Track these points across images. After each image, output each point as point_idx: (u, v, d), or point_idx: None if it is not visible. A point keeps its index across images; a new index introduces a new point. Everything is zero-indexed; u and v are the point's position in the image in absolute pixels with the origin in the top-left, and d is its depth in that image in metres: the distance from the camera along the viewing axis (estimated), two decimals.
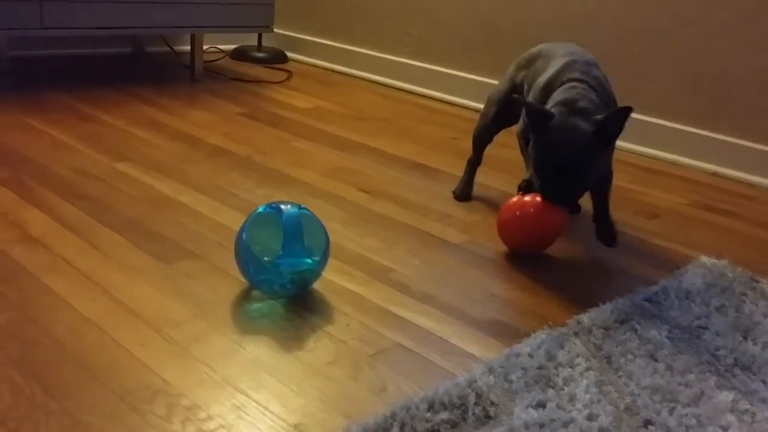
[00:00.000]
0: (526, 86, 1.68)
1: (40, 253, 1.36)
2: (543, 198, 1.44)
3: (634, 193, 2.01)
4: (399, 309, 1.28)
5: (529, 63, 1.70)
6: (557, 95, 1.46)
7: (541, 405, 1.01)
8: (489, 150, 1.88)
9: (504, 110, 1.77)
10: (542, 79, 1.56)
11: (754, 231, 1.83)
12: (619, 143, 2.44)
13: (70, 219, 1.52)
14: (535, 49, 1.72)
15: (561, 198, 1.43)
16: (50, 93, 2.47)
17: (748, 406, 1.06)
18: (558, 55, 1.60)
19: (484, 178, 1.96)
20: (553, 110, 1.41)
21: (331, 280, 1.36)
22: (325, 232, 1.31)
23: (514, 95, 1.61)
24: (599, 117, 1.38)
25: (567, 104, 1.42)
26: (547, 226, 1.48)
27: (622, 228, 1.74)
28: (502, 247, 1.56)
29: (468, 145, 1.91)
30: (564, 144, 1.38)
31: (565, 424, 0.97)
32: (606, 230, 1.58)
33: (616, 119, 1.37)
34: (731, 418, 1.02)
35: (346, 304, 1.28)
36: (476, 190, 1.89)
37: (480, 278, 1.43)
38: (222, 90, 2.73)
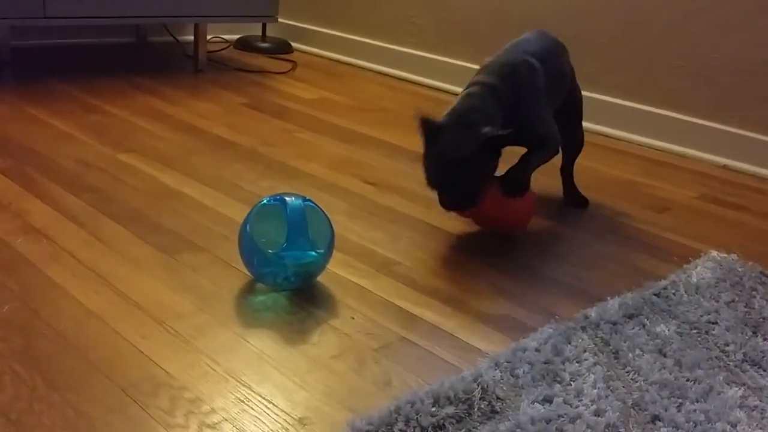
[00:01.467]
0: None
1: (42, 245, 1.35)
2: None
3: (643, 186, 1.99)
4: (404, 302, 1.27)
5: None
6: (457, 102, 1.50)
7: (547, 400, 1.00)
8: None
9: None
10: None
11: (764, 225, 1.81)
12: (627, 135, 2.42)
13: (73, 210, 1.51)
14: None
15: (453, 206, 1.48)
16: (53, 83, 2.45)
17: (757, 402, 1.04)
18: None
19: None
20: (443, 121, 1.46)
21: (336, 273, 1.35)
22: (330, 225, 1.30)
23: (420, 114, 1.48)
24: (486, 131, 1.41)
25: (456, 115, 1.46)
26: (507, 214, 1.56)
27: (630, 221, 1.72)
28: (509, 241, 1.55)
29: None
30: (447, 159, 1.42)
31: (572, 420, 0.96)
32: (569, 192, 1.80)
33: (506, 140, 1.42)
34: (740, 414, 1.01)
35: (350, 297, 1.27)
36: None
37: (486, 272, 1.42)
38: (226, 80, 2.72)
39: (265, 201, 1.29)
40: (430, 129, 1.44)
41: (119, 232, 1.43)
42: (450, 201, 1.47)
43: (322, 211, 1.30)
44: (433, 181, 1.46)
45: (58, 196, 1.57)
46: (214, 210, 1.58)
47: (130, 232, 1.44)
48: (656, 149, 2.34)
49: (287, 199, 1.26)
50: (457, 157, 1.41)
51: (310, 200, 1.29)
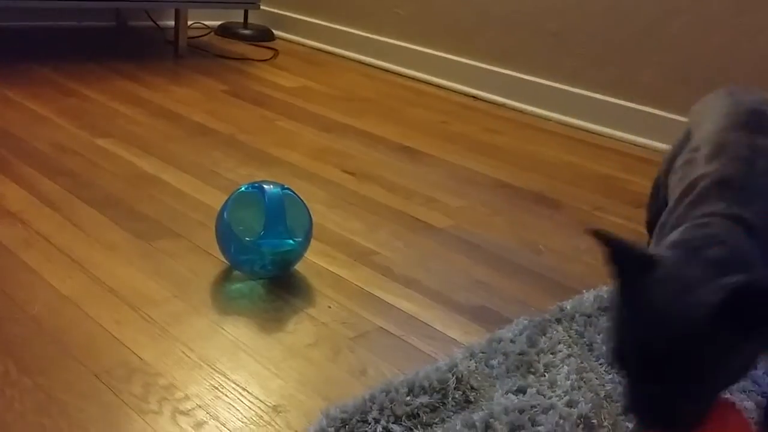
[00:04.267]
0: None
1: (17, 229, 1.34)
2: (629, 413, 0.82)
3: (622, 181, 2.01)
4: (381, 292, 1.27)
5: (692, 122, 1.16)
6: (676, 234, 0.87)
7: (521, 390, 1.01)
8: (478, 135, 1.87)
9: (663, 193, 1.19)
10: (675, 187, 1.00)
11: None
12: (608, 131, 2.44)
13: (48, 194, 1.49)
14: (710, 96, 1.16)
15: (656, 418, 0.79)
16: (31, 66, 2.42)
17: (727, 395, 1.06)
18: (709, 130, 1.03)
19: (473, 164, 1.94)
20: (662, 254, 0.82)
21: (313, 262, 1.34)
22: (308, 213, 1.30)
23: (596, 231, 0.82)
24: (736, 280, 0.74)
25: (685, 248, 0.83)
26: None
27: (609, 216, 1.74)
28: (488, 233, 1.56)
29: (457, 128, 1.89)
30: (664, 318, 0.76)
31: (545, 410, 0.97)
32: None
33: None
34: None
35: (327, 287, 1.27)
36: (464, 175, 1.88)
37: (464, 263, 1.42)
38: (206, 67, 2.69)
39: (243, 188, 1.29)
40: (631, 260, 0.80)
41: (95, 217, 1.42)
42: (655, 403, 0.78)
43: (301, 200, 1.30)
44: (625, 360, 0.79)
45: (33, 179, 1.55)
46: (192, 197, 1.57)
47: (107, 217, 1.43)
48: (636, 145, 2.35)
49: (265, 186, 1.26)
50: (682, 329, 0.75)
51: (288, 188, 1.29)
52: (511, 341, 1.12)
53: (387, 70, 2.99)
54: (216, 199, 1.53)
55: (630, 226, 1.70)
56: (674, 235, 0.87)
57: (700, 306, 0.74)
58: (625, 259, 0.80)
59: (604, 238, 0.81)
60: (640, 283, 0.78)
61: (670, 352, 0.75)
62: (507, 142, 2.07)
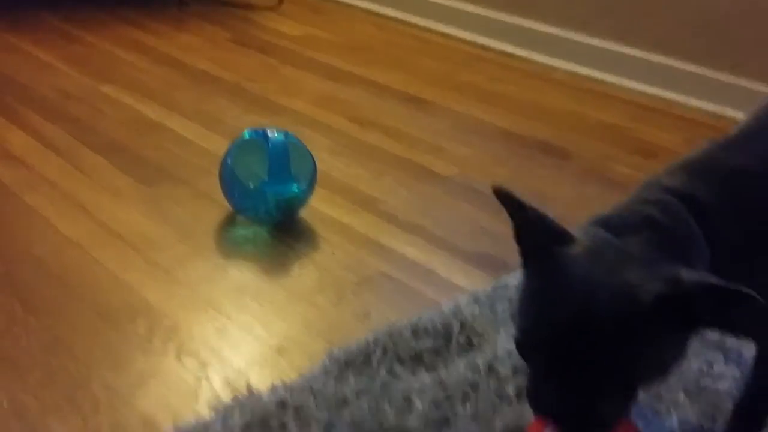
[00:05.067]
0: None
1: (21, 172, 1.33)
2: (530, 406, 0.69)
3: (630, 131, 1.98)
4: (385, 239, 1.27)
5: None
6: (610, 210, 0.73)
7: None
8: (485, 84, 1.85)
9: None
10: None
11: None
12: (617, 79, 2.40)
13: (52, 140, 1.49)
14: None
15: (561, 415, 0.66)
16: (35, 13, 2.39)
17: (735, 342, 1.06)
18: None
19: (479, 113, 1.92)
20: (579, 230, 0.69)
21: (318, 209, 1.34)
22: (312, 160, 1.29)
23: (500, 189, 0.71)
24: (683, 274, 0.63)
25: (610, 228, 0.69)
26: None
27: (616, 165, 1.72)
28: (494, 181, 1.54)
29: (464, 77, 1.87)
30: (581, 301, 0.63)
31: None
32: None
33: (719, 298, 0.63)
34: (717, 354, 1.02)
35: (331, 233, 1.27)
36: (470, 124, 1.86)
37: (469, 211, 1.41)
38: (211, 14, 2.66)
39: (247, 135, 1.28)
40: (544, 236, 0.68)
41: (99, 163, 1.42)
42: (561, 399, 0.65)
43: (305, 147, 1.29)
44: (532, 348, 0.66)
45: (37, 125, 1.55)
46: (196, 144, 1.56)
47: (111, 163, 1.42)
48: (645, 94, 2.32)
49: (269, 133, 1.25)
50: (611, 314, 0.63)
51: (292, 135, 1.28)
52: (516, 287, 1.12)
53: (393, 19, 2.94)
54: (220, 146, 1.52)
55: (638, 176, 1.69)
56: (609, 210, 0.72)
57: (637, 290, 0.62)
58: (536, 231, 0.68)
59: (511, 204, 0.69)
60: (554, 258, 0.66)
61: (592, 342, 0.62)
62: (514, 92, 2.04)
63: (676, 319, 0.63)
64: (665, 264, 0.64)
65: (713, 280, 0.62)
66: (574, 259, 0.65)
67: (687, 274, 0.62)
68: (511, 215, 0.69)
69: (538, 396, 0.67)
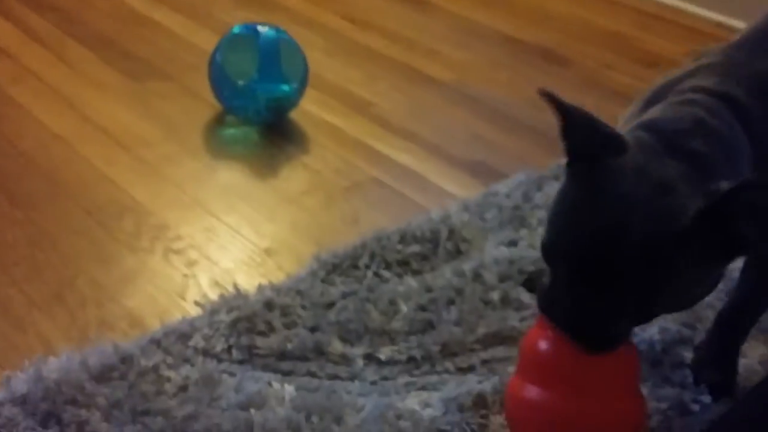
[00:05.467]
0: None
1: (5, 64, 1.30)
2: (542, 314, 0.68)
3: (633, 39, 1.93)
4: (377, 143, 1.25)
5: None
6: (654, 111, 0.71)
7: (513, 243, 1.01)
8: None
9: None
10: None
11: None
12: None
13: (37, 31, 1.44)
14: None
15: (576, 327, 0.65)
16: None
17: None
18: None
19: (479, 16, 1.86)
20: (628, 136, 0.67)
21: (309, 111, 1.31)
22: (304, 59, 1.25)
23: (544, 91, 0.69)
24: (723, 186, 0.61)
25: (662, 133, 0.66)
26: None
27: (617, 74, 1.68)
28: (490, 88, 1.52)
29: None
30: (620, 217, 0.62)
31: (534, 262, 0.97)
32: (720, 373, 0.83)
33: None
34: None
35: (323, 136, 1.25)
36: (469, 27, 1.80)
37: (464, 118, 1.39)
38: None
39: (236, 30, 1.23)
40: (593, 142, 0.65)
41: (85, 56, 1.37)
42: (578, 311, 0.64)
43: (297, 44, 1.25)
44: (558, 255, 0.65)
45: (21, 14, 1.49)
46: (185, 38, 1.51)
47: (97, 56, 1.38)
48: (652, 1, 2.25)
49: (260, 29, 1.20)
50: (647, 235, 0.61)
51: (284, 32, 1.24)
52: (507, 195, 1.12)
53: None
54: (209, 42, 1.47)
55: (638, 85, 1.66)
56: (654, 112, 0.70)
57: (677, 210, 0.60)
58: (585, 136, 0.65)
59: (560, 106, 0.66)
60: (601, 169, 0.63)
61: (625, 256, 0.60)
62: None
63: (715, 240, 0.60)
64: (710, 179, 0.61)
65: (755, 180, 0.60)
66: (618, 173, 0.63)
67: (727, 185, 0.60)
68: (559, 117, 0.66)
69: (553, 303, 0.65)
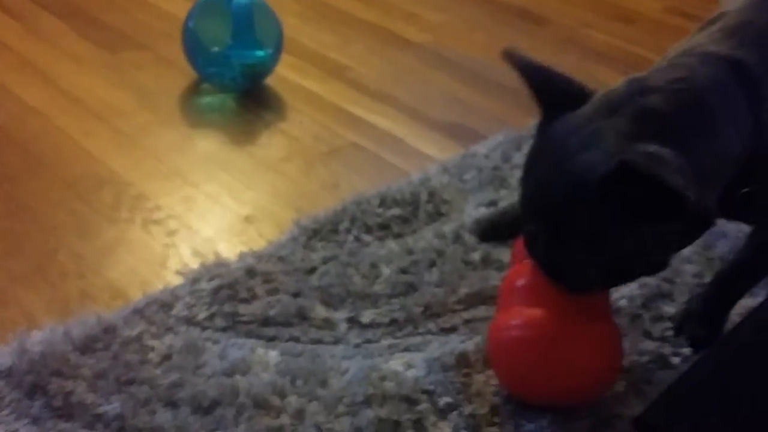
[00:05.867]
0: None
1: None
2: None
3: None
4: (355, 108, 1.25)
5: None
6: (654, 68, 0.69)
7: (492, 203, 1.02)
8: None
9: None
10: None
11: None
12: None
13: (7, 1, 1.41)
14: None
15: (550, 270, 0.69)
16: None
17: None
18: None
19: None
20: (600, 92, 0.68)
21: (285, 76, 1.30)
22: (278, 23, 1.24)
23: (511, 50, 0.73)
24: (638, 149, 0.60)
25: (628, 88, 0.65)
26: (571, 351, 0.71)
27: (596, 33, 1.68)
28: (467, 50, 1.51)
29: None
30: (548, 172, 0.65)
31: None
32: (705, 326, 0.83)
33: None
34: None
35: (300, 101, 1.24)
36: None
37: (442, 80, 1.39)
38: None
39: None
40: (557, 97, 0.68)
41: (57, 26, 1.35)
42: (544, 250, 0.67)
43: (270, 8, 1.23)
44: (521, 205, 0.70)
45: None
46: (156, 6, 1.49)
47: (69, 27, 1.36)
48: None
49: None
50: (565, 193, 0.64)
51: None
52: (486, 156, 1.12)
53: None
54: (181, 9, 1.44)
55: (616, 43, 1.65)
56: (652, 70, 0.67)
57: (587, 168, 0.61)
58: (542, 91, 0.67)
59: (518, 64, 0.68)
60: (549, 125, 0.65)
61: (553, 209, 0.64)
62: None
63: (637, 198, 0.59)
64: (655, 137, 0.59)
65: (653, 166, 0.57)
66: (560, 128, 0.64)
67: (638, 153, 0.58)
68: (524, 78, 0.68)
69: (531, 247, 0.68)
